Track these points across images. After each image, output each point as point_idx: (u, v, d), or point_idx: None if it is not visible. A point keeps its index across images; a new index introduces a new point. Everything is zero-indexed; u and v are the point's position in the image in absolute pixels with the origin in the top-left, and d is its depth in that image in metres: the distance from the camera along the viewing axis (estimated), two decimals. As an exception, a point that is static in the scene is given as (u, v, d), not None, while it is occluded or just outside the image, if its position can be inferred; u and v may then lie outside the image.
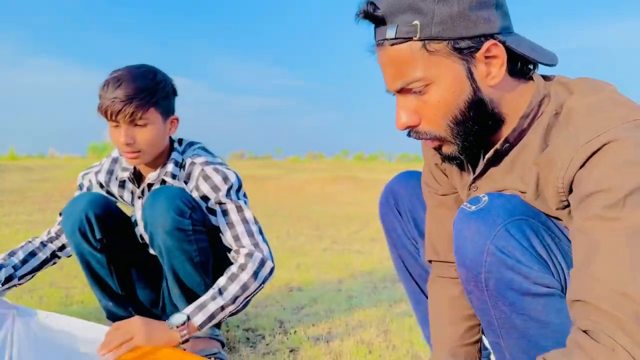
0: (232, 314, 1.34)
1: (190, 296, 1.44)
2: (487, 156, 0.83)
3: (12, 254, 1.51)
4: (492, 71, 0.77)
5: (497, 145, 0.81)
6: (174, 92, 1.48)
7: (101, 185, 1.60)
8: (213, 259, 1.48)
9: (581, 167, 0.69)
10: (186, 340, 1.24)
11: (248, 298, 1.37)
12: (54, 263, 1.61)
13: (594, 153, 0.68)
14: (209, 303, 1.29)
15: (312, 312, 1.98)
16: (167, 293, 1.59)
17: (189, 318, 1.25)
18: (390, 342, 1.64)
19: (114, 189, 1.58)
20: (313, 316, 1.93)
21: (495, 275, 0.78)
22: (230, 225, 1.44)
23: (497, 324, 0.82)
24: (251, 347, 1.61)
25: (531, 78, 0.81)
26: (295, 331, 1.74)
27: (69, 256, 1.62)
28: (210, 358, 1.41)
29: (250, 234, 1.44)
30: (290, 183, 10.35)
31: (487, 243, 0.78)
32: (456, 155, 0.83)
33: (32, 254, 1.54)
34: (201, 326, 1.27)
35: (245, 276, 1.34)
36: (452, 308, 1.02)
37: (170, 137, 1.54)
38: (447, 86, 0.76)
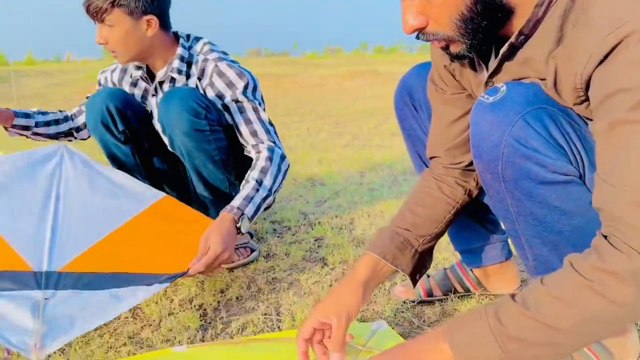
0: (265, 208, 1.40)
1: (215, 193, 1.49)
2: (501, 51, 0.79)
3: (43, 112, 1.62)
4: None
5: (512, 39, 0.77)
6: None
7: (114, 85, 1.63)
8: (232, 155, 1.51)
9: (600, 63, 0.65)
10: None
11: (277, 190, 1.42)
12: (69, 140, 1.70)
13: (614, 48, 0.63)
14: (254, 195, 1.33)
15: (335, 205, 2.05)
16: (192, 188, 1.65)
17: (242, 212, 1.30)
18: (411, 230, 1.70)
19: (126, 87, 1.60)
20: (336, 208, 2.00)
21: (512, 166, 0.78)
22: (247, 122, 1.45)
23: (514, 212, 0.84)
24: (278, 237, 1.70)
25: None
26: (319, 222, 1.81)
27: (83, 139, 1.73)
28: (242, 248, 1.49)
29: (267, 132, 1.46)
30: (308, 80, 10.18)
31: (505, 135, 0.77)
32: (465, 54, 0.79)
33: (56, 122, 1.65)
34: (251, 218, 1.32)
35: (274, 169, 1.39)
36: (429, 206, 1.00)
37: (176, 33, 1.53)
38: None
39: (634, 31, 0.61)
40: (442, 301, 1.23)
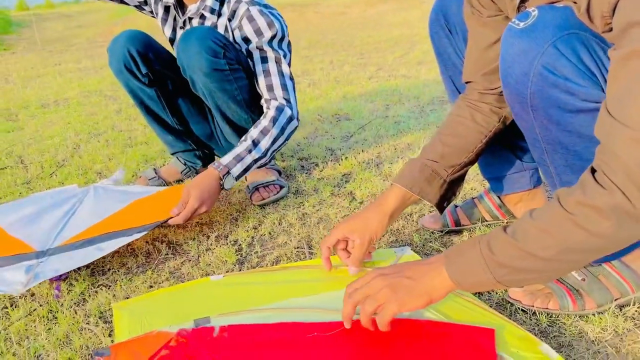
0: (260, 166, 1.44)
1: (240, 131, 1.51)
2: None
3: None
4: None
5: None
6: None
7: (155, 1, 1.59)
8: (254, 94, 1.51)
9: None
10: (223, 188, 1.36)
11: (275, 150, 1.43)
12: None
13: None
14: (245, 155, 1.37)
15: (360, 139, 2.05)
16: (218, 128, 1.67)
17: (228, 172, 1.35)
18: (439, 162, 1.70)
19: (160, 10, 1.58)
20: (362, 143, 2.00)
21: (541, 95, 0.76)
22: (267, 73, 1.44)
23: (543, 141, 0.83)
24: (306, 173, 1.72)
25: None
26: (346, 157, 1.82)
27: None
28: (271, 185, 1.52)
29: (284, 87, 1.45)
30: (331, 9, 9.84)
31: (534, 63, 0.75)
32: None
33: None
34: (238, 177, 1.37)
35: (275, 131, 1.40)
36: (461, 136, 1.02)
37: None
38: None
39: None
40: (470, 230, 1.24)
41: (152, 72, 1.55)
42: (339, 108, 2.58)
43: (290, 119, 1.44)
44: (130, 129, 2.44)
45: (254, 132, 1.40)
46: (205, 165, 1.72)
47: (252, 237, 1.31)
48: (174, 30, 1.59)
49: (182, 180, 1.72)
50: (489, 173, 1.21)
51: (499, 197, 1.23)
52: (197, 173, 1.71)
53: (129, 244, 1.27)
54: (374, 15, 8.51)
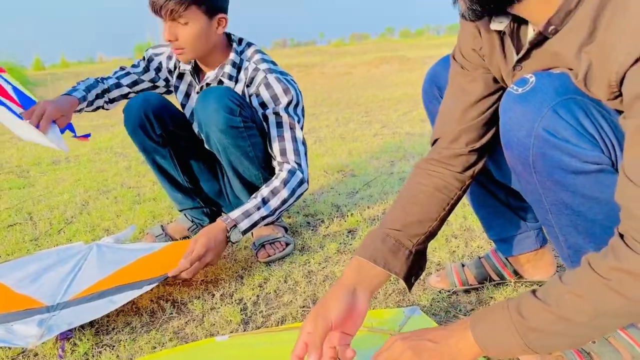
0: (267, 223, 1.47)
1: (251, 188, 1.54)
2: (529, 39, 0.79)
3: (87, 87, 1.60)
4: None
5: (541, 28, 0.76)
6: None
7: (169, 71, 1.65)
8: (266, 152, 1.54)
9: (636, 62, 0.64)
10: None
11: (283, 210, 1.47)
12: (102, 107, 1.67)
13: None
14: (254, 212, 1.40)
15: (366, 196, 2.06)
16: (228, 185, 1.70)
17: (235, 225, 1.38)
18: (444, 219, 1.71)
19: (173, 78, 1.64)
20: (368, 199, 2.02)
21: (543, 157, 0.78)
22: (281, 138, 1.49)
23: (546, 202, 0.84)
24: (312, 230, 1.73)
25: None
26: (351, 214, 1.83)
27: (112, 107, 1.69)
28: (277, 242, 1.53)
29: (297, 152, 1.50)
30: (335, 69, 10.14)
31: (535, 126, 0.77)
32: (463, 14, 0.78)
33: (103, 93, 1.63)
34: (244, 232, 1.40)
35: (285, 192, 1.44)
36: (422, 204, 0.95)
37: (229, 35, 1.56)
38: None
39: None
40: (477, 290, 1.23)
41: (166, 133, 1.60)
42: (345, 164, 2.61)
43: (301, 182, 1.48)
44: (139, 185, 2.47)
45: (264, 191, 1.43)
46: (212, 222, 1.73)
47: (258, 296, 1.30)
48: (187, 96, 1.65)
49: (189, 237, 1.73)
50: (493, 235, 1.22)
51: (505, 257, 1.23)
52: (204, 230, 1.73)
53: (133, 302, 1.26)
54: (377, 76, 8.76)
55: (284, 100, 1.49)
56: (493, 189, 1.15)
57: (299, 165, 1.49)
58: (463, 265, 1.26)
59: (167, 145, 1.62)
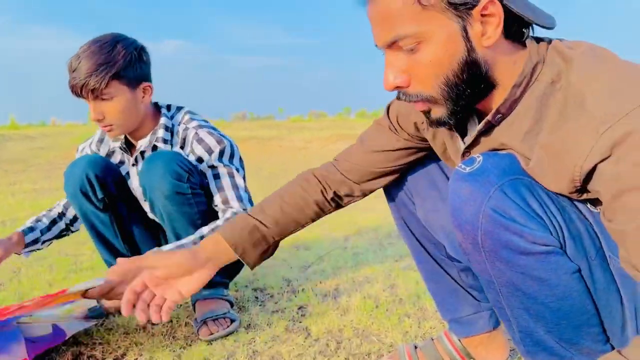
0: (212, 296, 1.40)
1: (197, 259, 1.45)
2: (478, 128, 0.81)
3: (38, 219, 1.58)
4: (487, 31, 0.73)
5: (489, 117, 0.78)
6: (139, 59, 1.43)
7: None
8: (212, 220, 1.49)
9: (604, 159, 0.66)
10: None
11: None
12: (67, 235, 1.66)
13: (616, 143, 0.64)
14: (188, 246, 1.31)
15: (319, 270, 2.01)
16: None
17: None
18: (397, 296, 1.67)
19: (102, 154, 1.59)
20: (320, 274, 1.96)
21: (492, 236, 0.77)
22: (221, 189, 1.45)
23: (497, 282, 0.82)
24: (260, 305, 1.64)
25: (525, 43, 0.76)
26: (303, 289, 1.77)
27: (77, 230, 1.67)
28: (221, 318, 1.43)
29: (239, 199, 1.45)
30: (293, 143, 10.31)
31: (483, 205, 0.76)
32: (445, 120, 0.80)
33: (54, 222, 1.61)
34: None
35: None
36: (299, 209, 1.08)
37: (156, 103, 1.54)
38: (440, 44, 0.72)
39: (634, 130, 0.63)
40: (430, 374, 1.17)
41: (108, 197, 1.52)
42: (298, 237, 2.56)
43: None
44: (77, 253, 2.33)
45: (204, 229, 1.36)
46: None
47: (196, 378, 1.19)
48: (127, 174, 1.59)
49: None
50: (447, 314, 1.18)
51: (458, 339, 1.19)
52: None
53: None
54: (333, 151, 8.91)
55: (217, 150, 1.45)
56: (446, 265, 1.13)
57: (245, 210, 1.43)
58: (416, 347, 1.21)
59: (108, 211, 1.53)
